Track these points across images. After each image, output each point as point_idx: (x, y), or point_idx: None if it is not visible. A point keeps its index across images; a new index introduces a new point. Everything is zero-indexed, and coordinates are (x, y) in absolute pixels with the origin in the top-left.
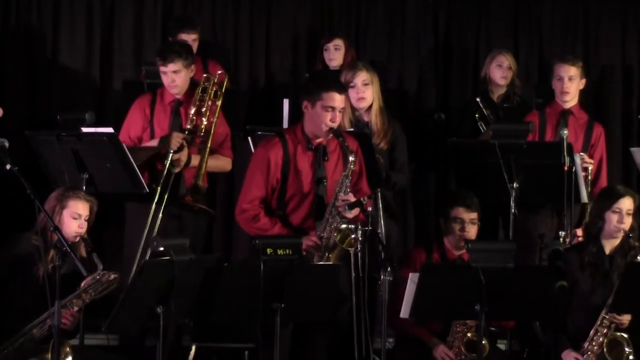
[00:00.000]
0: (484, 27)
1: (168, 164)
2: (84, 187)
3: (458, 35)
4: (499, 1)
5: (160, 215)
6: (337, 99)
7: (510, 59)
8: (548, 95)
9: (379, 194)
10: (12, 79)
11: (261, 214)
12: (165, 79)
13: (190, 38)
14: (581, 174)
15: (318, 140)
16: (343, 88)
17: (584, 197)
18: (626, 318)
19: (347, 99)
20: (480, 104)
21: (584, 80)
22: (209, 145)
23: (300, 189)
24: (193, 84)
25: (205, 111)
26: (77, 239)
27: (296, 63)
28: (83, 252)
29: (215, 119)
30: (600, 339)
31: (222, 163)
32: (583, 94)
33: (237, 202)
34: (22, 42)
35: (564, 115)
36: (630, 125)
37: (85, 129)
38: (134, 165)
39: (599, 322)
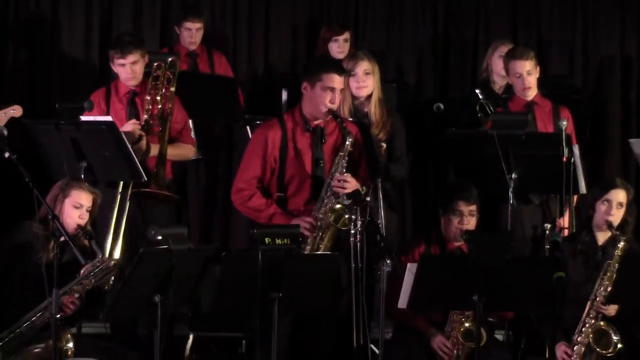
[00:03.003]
0: (483, 18)
1: None
2: (83, 176)
3: (457, 25)
4: None
5: (127, 203)
6: (337, 80)
7: None
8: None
9: (379, 184)
10: (12, 67)
11: (257, 194)
12: (124, 72)
13: (195, 27)
14: (580, 165)
15: (316, 122)
16: (342, 70)
17: (583, 188)
18: (612, 308)
19: (347, 82)
20: (480, 96)
21: (538, 69)
22: (167, 132)
23: (299, 170)
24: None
25: (160, 99)
26: (78, 229)
27: (295, 53)
28: (85, 241)
29: (171, 105)
30: (589, 330)
31: (183, 151)
32: (583, 85)
33: (234, 181)
34: (21, 31)
35: (529, 107)
36: (629, 116)
37: (83, 118)
38: (132, 153)
39: (585, 314)
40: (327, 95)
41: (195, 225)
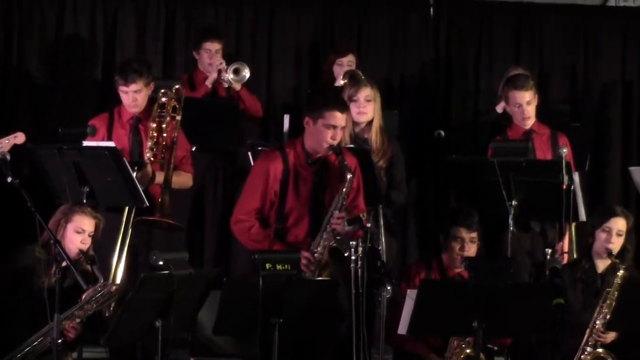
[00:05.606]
0: (485, 42)
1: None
2: (85, 200)
3: (459, 50)
4: (501, 15)
5: (130, 230)
6: (339, 117)
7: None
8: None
9: (380, 210)
10: (14, 90)
11: (256, 225)
12: (126, 99)
13: (214, 47)
14: (580, 193)
15: (318, 156)
16: (345, 106)
17: (582, 216)
18: (610, 336)
19: (349, 116)
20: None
21: (537, 97)
22: (172, 160)
23: (299, 203)
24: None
25: (166, 127)
26: (80, 254)
27: (298, 78)
28: (87, 265)
29: (176, 134)
30: (588, 358)
31: (184, 179)
32: (584, 110)
33: (234, 211)
34: (24, 55)
35: (528, 135)
36: (629, 143)
37: (86, 143)
38: (135, 179)
39: (584, 341)
40: (329, 132)
41: (210, 249)
